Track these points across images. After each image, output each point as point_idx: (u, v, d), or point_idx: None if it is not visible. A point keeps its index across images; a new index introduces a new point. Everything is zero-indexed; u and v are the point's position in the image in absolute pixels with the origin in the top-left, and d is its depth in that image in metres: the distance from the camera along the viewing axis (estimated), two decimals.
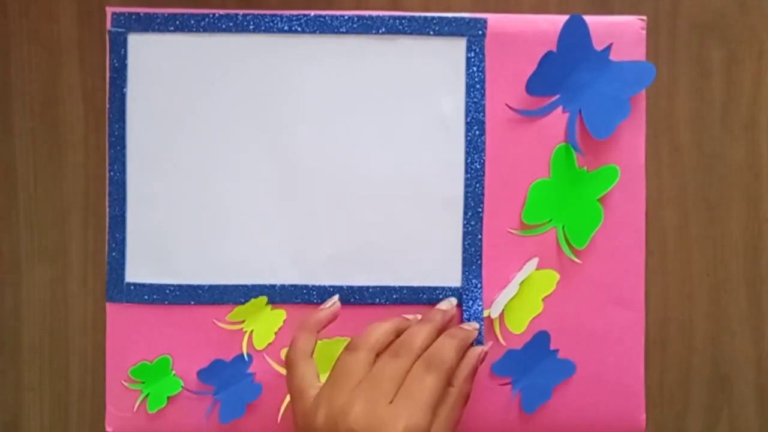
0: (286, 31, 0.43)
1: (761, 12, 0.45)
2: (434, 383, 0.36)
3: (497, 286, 0.43)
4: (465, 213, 0.44)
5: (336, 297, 0.42)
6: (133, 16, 0.43)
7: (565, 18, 0.42)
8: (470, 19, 0.43)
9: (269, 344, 0.44)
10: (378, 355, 0.38)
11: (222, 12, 0.43)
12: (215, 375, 0.43)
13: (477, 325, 0.41)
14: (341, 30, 0.43)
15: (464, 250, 0.44)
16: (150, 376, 0.44)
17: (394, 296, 0.44)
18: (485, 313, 0.43)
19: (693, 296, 0.45)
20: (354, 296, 0.43)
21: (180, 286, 0.44)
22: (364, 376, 0.36)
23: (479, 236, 0.43)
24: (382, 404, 0.35)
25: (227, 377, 0.43)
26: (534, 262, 0.43)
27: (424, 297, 0.44)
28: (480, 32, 0.43)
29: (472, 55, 0.43)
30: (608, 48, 0.42)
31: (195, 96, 0.43)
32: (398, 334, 0.39)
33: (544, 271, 0.44)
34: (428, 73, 0.43)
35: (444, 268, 0.43)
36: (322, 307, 0.41)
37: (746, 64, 0.45)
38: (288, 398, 0.43)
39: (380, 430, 0.34)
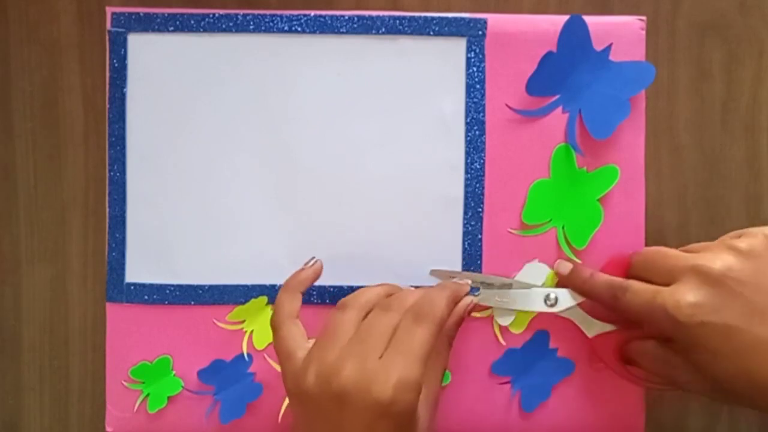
0: (286, 31, 0.43)
1: (761, 12, 0.45)
2: (425, 335, 0.35)
3: None
4: (465, 213, 0.44)
5: (316, 257, 0.41)
6: (133, 16, 0.43)
7: (564, 18, 0.42)
8: (470, 20, 0.43)
9: (269, 344, 0.44)
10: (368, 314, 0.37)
11: (222, 12, 0.43)
12: (215, 375, 0.43)
13: (469, 281, 0.40)
14: (341, 30, 0.43)
15: (464, 250, 0.44)
16: (150, 376, 0.44)
17: None
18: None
19: None
20: None
21: (180, 286, 0.44)
22: (353, 333, 0.36)
23: (479, 236, 0.43)
24: (373, 359, 0.34)
25: (227, 377, 0.43)
26: (534, 263, 0.43)
27: None
28: (480, 32, 0.43)
29: (472, 55, 0.43)
30: (608, 48, 0.42)
31: (195, 96, 0.43)
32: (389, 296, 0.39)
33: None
34: (428, 73, 0.43)
35: (444, 268, 0.43)
36: (303, 266, 0.41)
37: (746, 64, 0.45)
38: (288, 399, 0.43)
39: (372, 384, 0.33)
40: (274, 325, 0.38)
